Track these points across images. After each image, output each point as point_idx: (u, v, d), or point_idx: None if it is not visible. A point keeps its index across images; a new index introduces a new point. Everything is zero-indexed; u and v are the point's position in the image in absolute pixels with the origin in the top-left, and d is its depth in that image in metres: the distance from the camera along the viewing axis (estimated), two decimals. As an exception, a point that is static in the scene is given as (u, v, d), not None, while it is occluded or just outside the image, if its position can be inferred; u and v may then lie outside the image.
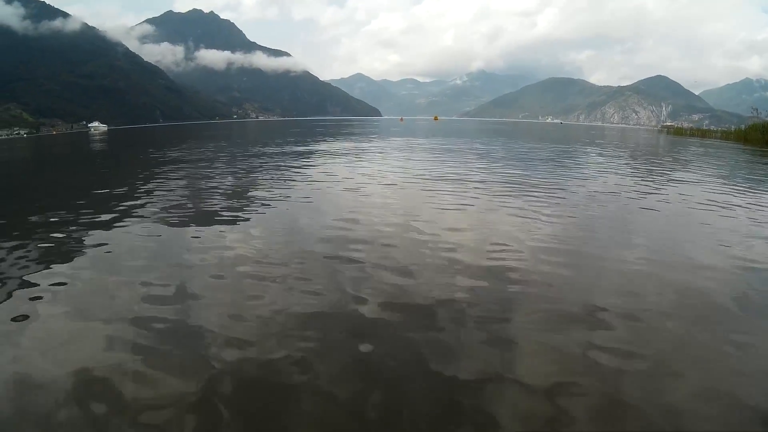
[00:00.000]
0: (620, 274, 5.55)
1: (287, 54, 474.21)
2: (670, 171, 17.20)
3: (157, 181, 13.80)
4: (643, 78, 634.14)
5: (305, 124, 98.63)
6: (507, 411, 3.14)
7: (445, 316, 4.35)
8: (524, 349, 3.84)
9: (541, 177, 14.14)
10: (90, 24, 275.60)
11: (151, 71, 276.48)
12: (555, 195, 10.87)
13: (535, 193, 11.00)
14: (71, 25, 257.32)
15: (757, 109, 50.01)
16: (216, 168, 17.04)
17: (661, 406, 3.17)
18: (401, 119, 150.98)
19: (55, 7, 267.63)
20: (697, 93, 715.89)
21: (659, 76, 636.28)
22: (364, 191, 11.48)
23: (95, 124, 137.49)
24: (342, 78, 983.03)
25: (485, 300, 4.72)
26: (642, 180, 14.32)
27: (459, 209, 9.28)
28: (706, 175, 15.64)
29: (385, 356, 3.69)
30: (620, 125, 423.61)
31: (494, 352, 3.74)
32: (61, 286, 5.16)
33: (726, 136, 54.51)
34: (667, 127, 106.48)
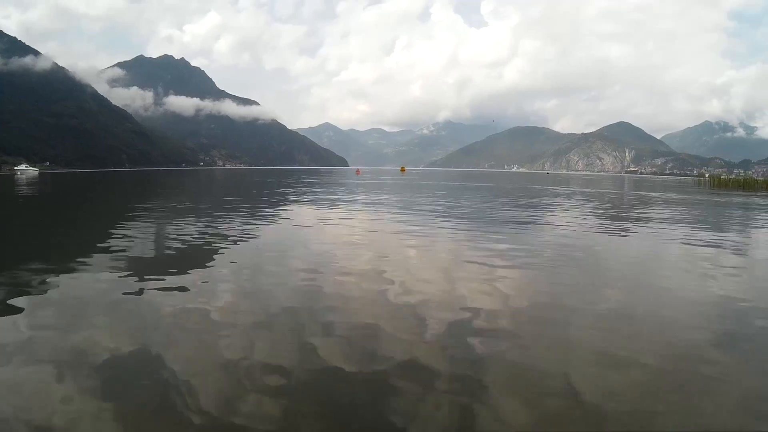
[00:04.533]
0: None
1: (256, 103, 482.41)
2: None
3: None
4: (606, 124, 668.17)
5: (263, 174, 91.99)
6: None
7: (414, 376, 4.15)
8: (497, 403, 3.69)
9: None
10: (61, 63, 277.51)
11: (119, 114, 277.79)
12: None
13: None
14: (42, 64, 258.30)
15: None
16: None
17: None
18: (358, 171, 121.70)
19: (27, 44, 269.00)
20: (659, 137, 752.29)
21: (622, 123, 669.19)
22: (331, 240, 11.63)
23: (23, 167, 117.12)
24: (310, 127, 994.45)
25: (456, 358, 4.59)
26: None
27: (427, 258, 9.53)
28: None
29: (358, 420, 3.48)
30: (584, 172, 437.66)
31: (464, 413, 3.53)
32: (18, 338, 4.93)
33: None
34: (715, 177, 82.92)
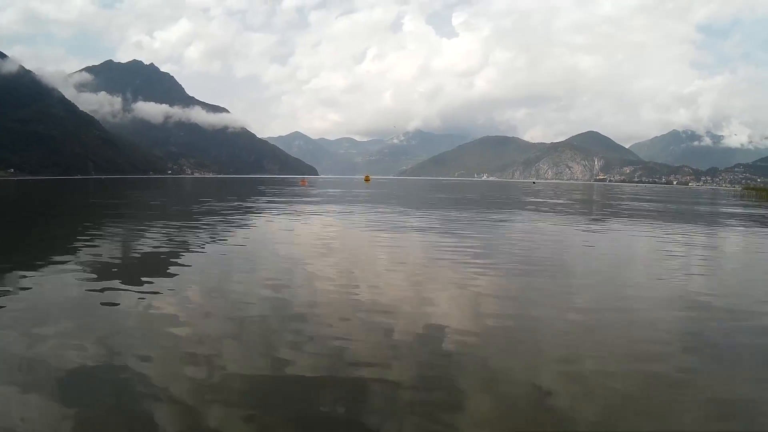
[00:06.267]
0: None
1: (226, 110, 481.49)
2: None
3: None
4: (576, 134, 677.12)
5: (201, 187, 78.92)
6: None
7: (385, 386, 4.23)
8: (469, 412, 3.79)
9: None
10: (28, 67, 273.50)
11: (86, 121, 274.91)
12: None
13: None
14: (8, 67, 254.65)
15: None
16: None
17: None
18: (303, 182, 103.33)
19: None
20: (627, 146, 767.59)
21: (591, 132, 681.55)
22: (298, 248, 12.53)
23: None
24: (280, 136, 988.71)
25: (423, 362, 4.70)
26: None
27: (396, 265, 10.03)
28: None
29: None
30: (554, 180, 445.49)
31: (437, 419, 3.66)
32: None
33: None
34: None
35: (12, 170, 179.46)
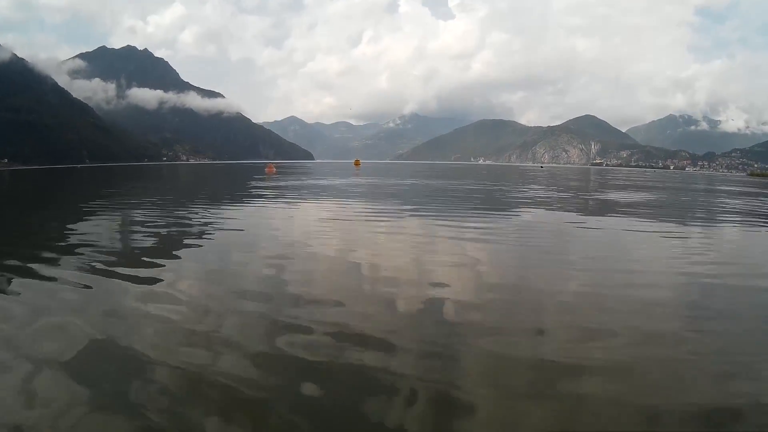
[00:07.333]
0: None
1: (221, 95, 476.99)
2: None
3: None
4: (572, 117, 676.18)
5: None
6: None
7: (390, 355, 4.17)
8: (472, 376, 3.79)
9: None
10: (21, 55, 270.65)
11: (80, 108, 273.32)
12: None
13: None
14: (0, 55, 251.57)
15: None
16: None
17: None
18: (270, 168, 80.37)
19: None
20: (624, 130, 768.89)
21: (588, 116, 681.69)
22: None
23: None
24: (276, 120, 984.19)
25: (430, 334, 4.60)
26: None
27: (396, 240, 9.72)
28: None
29: (330, 403, 3.50)
30: (551, 164, 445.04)
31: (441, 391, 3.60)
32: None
33: None
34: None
35: (6, 160, 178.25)
